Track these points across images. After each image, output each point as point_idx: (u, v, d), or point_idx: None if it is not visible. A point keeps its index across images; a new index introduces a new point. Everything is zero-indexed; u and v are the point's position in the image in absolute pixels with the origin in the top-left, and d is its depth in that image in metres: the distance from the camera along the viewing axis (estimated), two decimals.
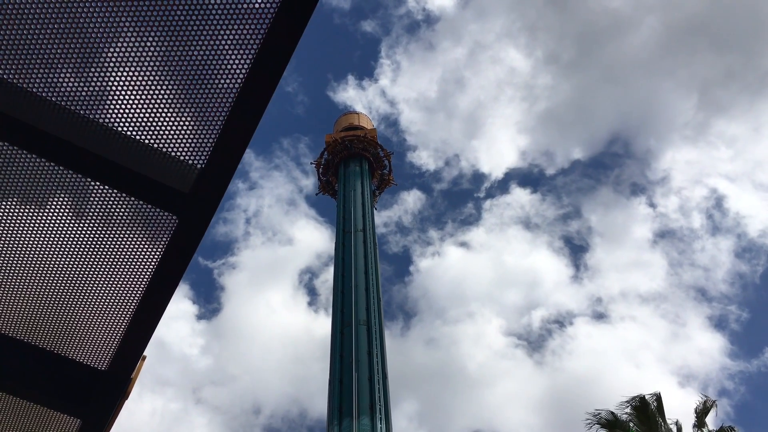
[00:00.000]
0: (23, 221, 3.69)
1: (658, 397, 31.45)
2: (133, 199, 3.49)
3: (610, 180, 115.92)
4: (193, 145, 3.32)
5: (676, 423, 30.76)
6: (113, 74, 3.16)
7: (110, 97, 3.22)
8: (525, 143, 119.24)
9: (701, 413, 30.80)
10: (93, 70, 3.14)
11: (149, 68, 3.16)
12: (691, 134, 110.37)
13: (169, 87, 3.21)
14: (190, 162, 3.37)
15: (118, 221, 3.65)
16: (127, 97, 3.23)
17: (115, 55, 3.11)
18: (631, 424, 30.95)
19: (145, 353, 4.32)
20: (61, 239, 3.75)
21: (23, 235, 3.74)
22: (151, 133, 3.34)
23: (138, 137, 3.35)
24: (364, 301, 41.30)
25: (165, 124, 3.31)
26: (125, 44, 3.08)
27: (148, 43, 3.07)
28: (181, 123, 3.29)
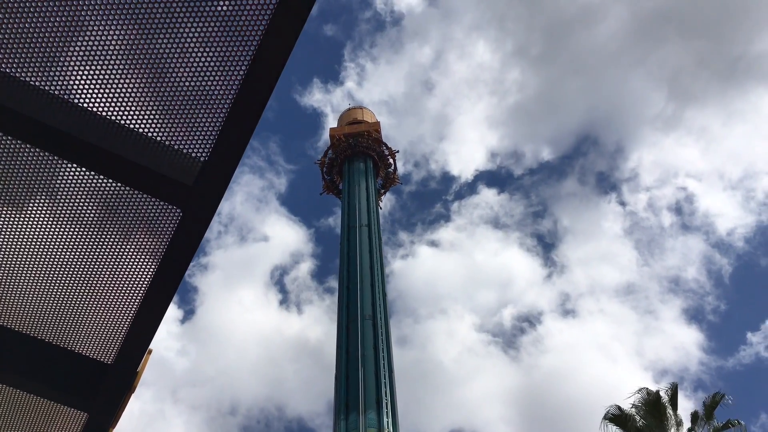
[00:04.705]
0: (28, 215, 3.70)
1: (673, 388, 31.40)
2: (137, 192, 3.49)
3: (575, 171, 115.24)
4: (196, 137, 3.32)
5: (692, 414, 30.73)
6: (116, 68, 3.17)
7: (114, 91, 3.22)
8: (494, 139, 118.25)
9: (709, 406, 30.75)
10: (96, 63, 3.14)
11: (152, 62, 3.16)
12: (661, 126, 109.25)
13: (173, 80, 3.21)
14: (194, 155, 3.37)
15: (122, 215, 3.65)
16: (130, 90, 3.23)
17: (119, 49, 3.11)
18: (638, 417, 30.95)
19: (150, 347, 4.34)
20: (65, 234, 3.76)
21: (29, 230, 3.75)
22: (155, 126, 3.34)
23: (142, 131, 3.35)
24: (369, 297, 41.29)
25: (168, 117, 3.31)
26: (128, 38, 3.08)
27: (151, 38, 3.07)
28: (185, 116, 3.29)
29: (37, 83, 3.21)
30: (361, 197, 50.91)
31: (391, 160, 58.48)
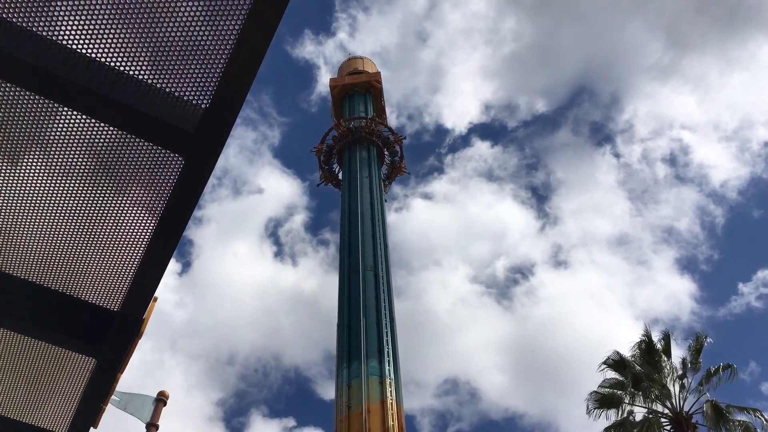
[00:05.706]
0: (30, 163, 3.70)
1: (666, 336, 32.06)
2: (139, 140, 3.48)
3: (569, 121, 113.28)
4: (197, 84, 3.29)
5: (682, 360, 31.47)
6: (116, 12, 3.12)
7: (114, 36, 3.18)
8: (489, 92, 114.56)
9: (695, 349, 31.47)
10: (96, 7, 3.09)
11: (152, 6, 3.11)
12: (658, 75, 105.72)
13: (173, 26, 3.16)
14: (195, 102, 3.35)
15: (124, 163, 3.65)
16: (130, 35, 3.19)
17: None
18: (635, 365, 31.61)
19: (156, 294, 4.41)
20: (68, 182, 3.76)
21: (32, 179, 3.75)
22: (156, 73, 3.31)
23: (143, 78, 3.32)
24: (371, 248, 41.51)
25: (170, 63, 3.27)
26: None
27: None
28: (186, 62, 3.26)
29: (33, 28, 3.17)
30: (362, 154, 50.38)
31: (397, 147, 53.89)
